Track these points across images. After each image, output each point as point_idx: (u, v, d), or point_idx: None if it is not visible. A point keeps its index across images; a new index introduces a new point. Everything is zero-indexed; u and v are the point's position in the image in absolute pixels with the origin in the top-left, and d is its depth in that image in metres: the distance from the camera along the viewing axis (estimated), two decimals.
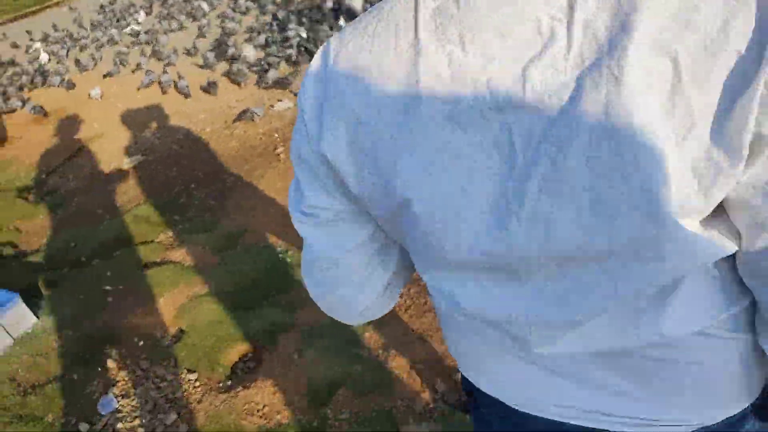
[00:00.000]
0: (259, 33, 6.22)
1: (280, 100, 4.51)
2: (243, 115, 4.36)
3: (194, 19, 7.85)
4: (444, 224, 0.52)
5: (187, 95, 5.12)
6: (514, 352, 0.62)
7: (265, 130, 4.17)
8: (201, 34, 6.94)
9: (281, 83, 4.80)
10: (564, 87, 0.42)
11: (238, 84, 5.02)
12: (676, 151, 0.40)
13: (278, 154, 3.76)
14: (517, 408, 0.67)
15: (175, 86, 5.28)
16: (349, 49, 0.53)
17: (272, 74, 4.96)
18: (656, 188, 0.40)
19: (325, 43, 0.57)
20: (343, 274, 0.67)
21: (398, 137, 0.50)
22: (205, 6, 8.30)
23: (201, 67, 5.73)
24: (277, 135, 4.06)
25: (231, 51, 5.73)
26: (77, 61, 6.69)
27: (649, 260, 0.46)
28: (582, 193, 0.44)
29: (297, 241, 2.76)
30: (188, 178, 3.71)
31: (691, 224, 0.43)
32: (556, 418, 0.64)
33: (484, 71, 0.45)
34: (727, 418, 0.61)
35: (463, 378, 0.76)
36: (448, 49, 0.46)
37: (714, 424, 0.61)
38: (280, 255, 2.71)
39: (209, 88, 5.03)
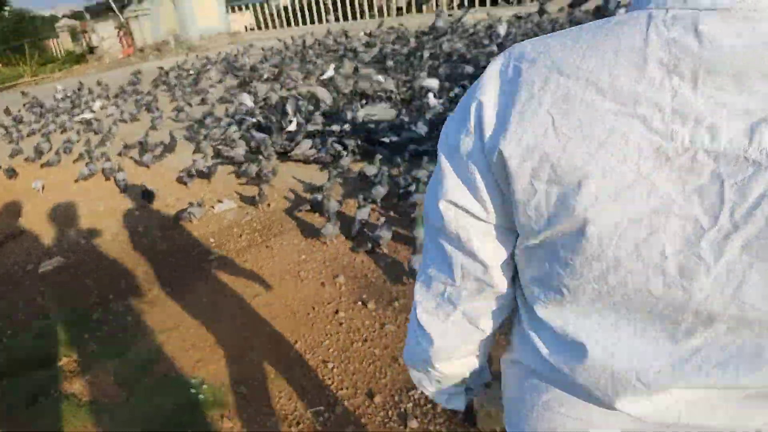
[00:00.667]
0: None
1: (221, 201, 4.31)
2: (180, 216, 4.11)
3: (149, 111, 7.75)
4: (616, 255, 0.50)
5: (123, 190, 4.87)
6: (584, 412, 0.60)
7: (200, 234, 3.92)
8: (153, 127, 6.82)
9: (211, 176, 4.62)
10: None
11: (185, 184, 4.81)
12: None
13: (210, 261, 3.50)
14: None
15: (115, 181, 5.04)
16: (552, 56, 0.51)
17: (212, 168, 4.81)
18: None
19: (513, 47, 0.56)
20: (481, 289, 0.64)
21: (594, 156, 0.48)
22: (164, 99, 8.27)
23: (140, 164, 5.55)
24: (212, 240, 3.81)
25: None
26: (19, 151, 6.41)
27: None
28: None
29: (215, 377, 2.45)
30: (108, 287, 3.38)
31: None
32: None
33: (711, 115, 0.44)
34: None
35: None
36: (675, 83, 0.45)
37: None
38: (193, 390, 2.38)
39: (148, 184, 4.81)
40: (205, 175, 4.83)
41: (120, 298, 3.23)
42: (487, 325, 0.69)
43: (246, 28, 18.39)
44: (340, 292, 2.96)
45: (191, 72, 10.46)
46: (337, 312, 2.78)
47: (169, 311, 3.03)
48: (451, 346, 0.70)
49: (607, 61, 0.47)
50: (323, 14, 16.87)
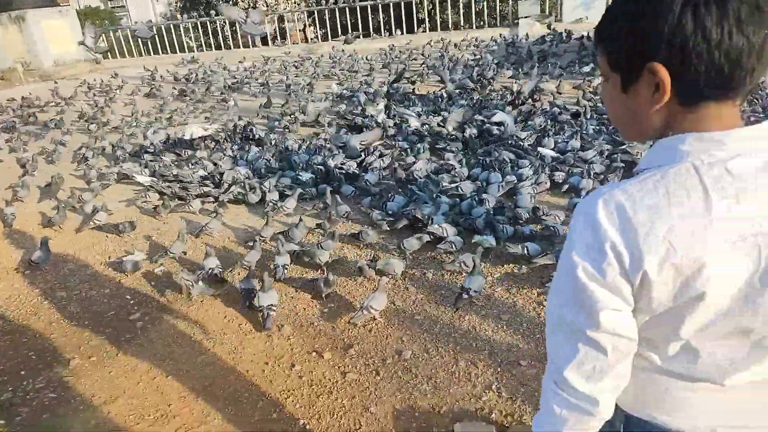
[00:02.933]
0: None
1: (130, 253, 4.01)
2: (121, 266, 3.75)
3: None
4: (717, 302, 0.81)
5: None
6: (704, 395, 0.92)
7: (113, 291, 3.62)
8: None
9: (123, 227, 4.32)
10: None
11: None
12: None
13: (134, 322, 3.24)
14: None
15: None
16: (646, 203, 0.79)
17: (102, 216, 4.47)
18: None
19: (594, 198, 0.83)
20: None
21: (702, 255, 0.78)
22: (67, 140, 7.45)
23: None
24: (129, 297, 3.54)
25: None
26: None
27: None
28: None
29: None
30: (16, 362, 2.98)
31: None
32: None
33: (752, 214, 0.78)
34: None
35: (625, 418, 1.00)
36: (726, 202, 0.77)
37: None
38: None
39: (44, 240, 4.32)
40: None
41: (34, 373, 2.87)
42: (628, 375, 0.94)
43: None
44: (290, 343, 2.93)
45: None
46: (293, 366, 2.75)
47: (98, 382, 2.76)
48: (610, 400, 0.94)
49: (683, 198, 0.78)
50: (186, 41, 16.32)
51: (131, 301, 3.49)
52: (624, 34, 0.81)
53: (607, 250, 0.81)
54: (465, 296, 3.02)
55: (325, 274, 3.29)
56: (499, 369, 2.59)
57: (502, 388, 2.47)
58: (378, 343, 2.87)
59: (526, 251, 3.39)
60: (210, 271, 3.51)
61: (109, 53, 15.93)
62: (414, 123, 6.41)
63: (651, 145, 0.88)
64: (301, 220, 4.07)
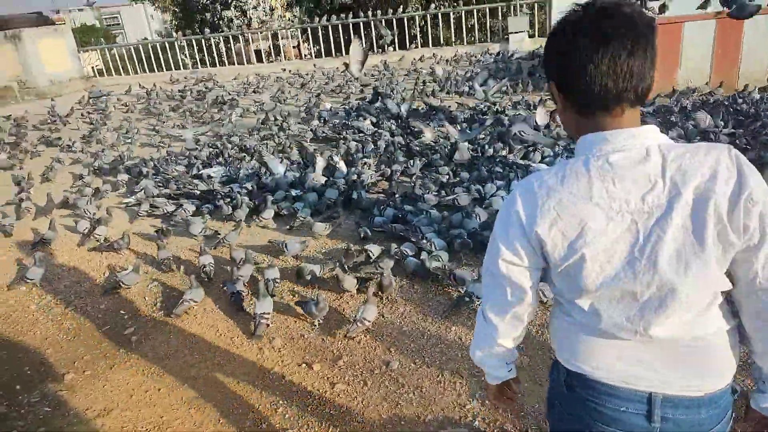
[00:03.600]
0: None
1: (124, 269, 4.08)
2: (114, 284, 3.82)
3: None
4: (601, 266, 1.06)
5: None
6: (616, 344, 1.13)
7: (108, 306, 3.69)
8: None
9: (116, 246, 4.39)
10: (662, 205, 1.01)
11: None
12: (714, 233, 1.00)
13: (128, 337, 3.31)
14: (606, 381, 1.15)
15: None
16: (548, 184, 1.09)
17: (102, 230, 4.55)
18: (707, 250, 1.00)
19: (523, 181, 1.16)
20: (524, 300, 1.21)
21: (582, 223, 1.05)
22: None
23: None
24: (123, 312, 3.61)
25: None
26: None
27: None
28: (672, 252, 1.02)
29: None
30: (11, 376, 3.04)
31: (718, 270, 1.03)
32: (630, 386, 1.13)
33: (626, 195, 1.03)
34: (719, 390, 1.12)
35: (566, 372, 1.22)
36: (606, 184, 1.04)
37: (714, 392, 1.12)
38: None
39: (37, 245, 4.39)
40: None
41: (30, 387, 2.93)
42: (525, 321, 1.26)
43: (93, 69, 17.30)
44: (281, 355, 3.00)
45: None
46: (283, 377, 2.82)
47: (93, 395, 2.82)
48: (506, 332, 1.27)
49: (573, 182, 1.07)
50: (181, 57, 16.50)
51: (125, 316, 3.56)
52: (544, 65, 1.17)
53: (512, 215, 1.13)
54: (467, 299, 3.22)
55: (316, 299, 3.20)
56: (483, 378, 2.65)
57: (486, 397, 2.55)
58: (366, 354, 2.94)
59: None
60: (203, 267, 3.79)
61: (104, 71, 16.10)
62: (428, 135, 6.51)
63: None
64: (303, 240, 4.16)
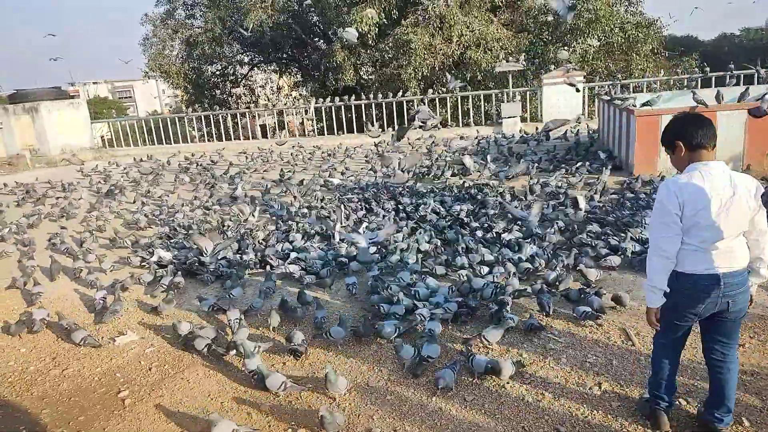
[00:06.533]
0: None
1: (123, 333, 4.24)
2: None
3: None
4: (711, 223, 2.35)
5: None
6: (705, 254, 2.41)
7: (104, 369, 3.82)
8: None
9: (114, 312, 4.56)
10: (732, 194, 2.36)
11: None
12: (747, 207, 2.39)
13: (122, 400, 3.43)
14: (700, 273, 2.41)
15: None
16: (683, 182, 2.40)
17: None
18: (744, 214, 2.40)
19: (668, 181, 2.46)
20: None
21: (700, 202, 2.34)
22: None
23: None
24: (119, 375, 3.74)
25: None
26: None
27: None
28: (736, 214, 2.37)
29: None
30: None
31: (745, 223, 2.42)
32: (711, 272, 2.40)
33: (717, 187, 2.37)
34: (743, 268, 2.46)
35: (679, 275, 2.46)
36: (709, 182, 2.36)
37: (743, 268, 2.46)
38: None
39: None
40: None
41: None
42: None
43: (103, 139, 18.06)
44: (268, 420, 3.12)
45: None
46: None
47: None
48: (672, 254, 2.43)
49: (696, 182, 2.38)
50: (189, 131, 17.28)
51: (121, 379, 3.69)
52: (668, 134, 2.54)
53: (675, 198, 2.36)
54: (424, 363, 3.38)
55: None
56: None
57: None
58: (350, 421, 3.07)
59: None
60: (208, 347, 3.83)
61: (114, 141, 16.78)
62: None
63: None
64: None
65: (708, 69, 14.20)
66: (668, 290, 2.45)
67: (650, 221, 2.52)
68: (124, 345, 4.15)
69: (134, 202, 9.02)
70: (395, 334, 3.86)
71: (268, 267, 5.37)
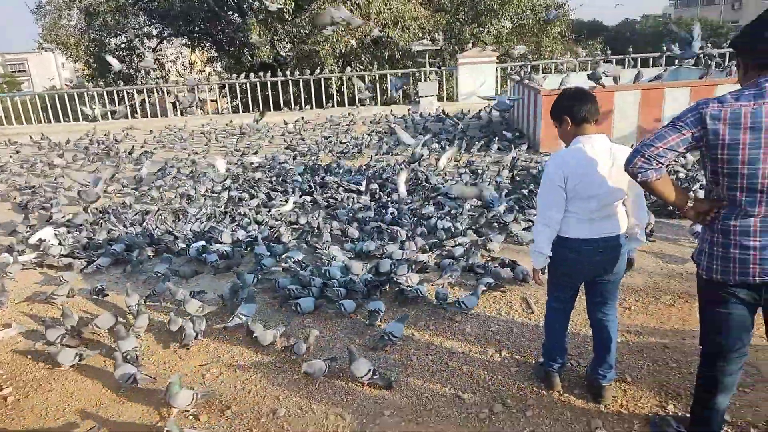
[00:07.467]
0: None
1: (9, 326, 3.90)
2: None
3: None
4: (593, 193, 2.48)
5: None
6: (587, 221, 2.55)
7: None
8: None
9: None
10: (611, 164, 2.47)
11: None
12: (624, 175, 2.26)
13: (5, 398, 3.16)
14: (583, 238, 2.55)
15: None
16: (565, 154, 2.55)
17: None
18: (622, 182, 2.47)
19: (554, 155, 2.61)
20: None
21: (581, 171, 2.47)
22: None
23: None
24: (2, 371, 3.44)
25: None
26: None
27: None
28: (616, 183, 2.48)
29: None
30: None
31: (624, 189, 2.53)
32: (593, 236, 2.55)
33: (599, 155, 2.49)
34: (620, 233, 2.59)
35: (564, 240, 2.59)
36: (591, 153, 2.48)
37: (619, 233, 2.59)
38: None
39: None
40: None
41: None
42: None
43: None
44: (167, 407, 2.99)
45: None
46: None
47: None
48: (557, 222, 2.56)
49: (578, 154, 2.50)
50: (89, 108, 16.08)
51: (3, 376, 3.40)
52: (555, 109, 2.62)
53: (560, 171, 2.47)
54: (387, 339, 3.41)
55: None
56: (364, 420, 2.81)
57: None
58: (255, 403, 3.00)
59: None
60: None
61: (3, 119, 15.34)
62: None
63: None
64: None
65: (610, 52, 15.09)
66: (551, 254, 2.60)
67: (539, 191, 2.63)
68: (9, 339, 3.82)
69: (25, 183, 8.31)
70: (313, 308, 3.93)
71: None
